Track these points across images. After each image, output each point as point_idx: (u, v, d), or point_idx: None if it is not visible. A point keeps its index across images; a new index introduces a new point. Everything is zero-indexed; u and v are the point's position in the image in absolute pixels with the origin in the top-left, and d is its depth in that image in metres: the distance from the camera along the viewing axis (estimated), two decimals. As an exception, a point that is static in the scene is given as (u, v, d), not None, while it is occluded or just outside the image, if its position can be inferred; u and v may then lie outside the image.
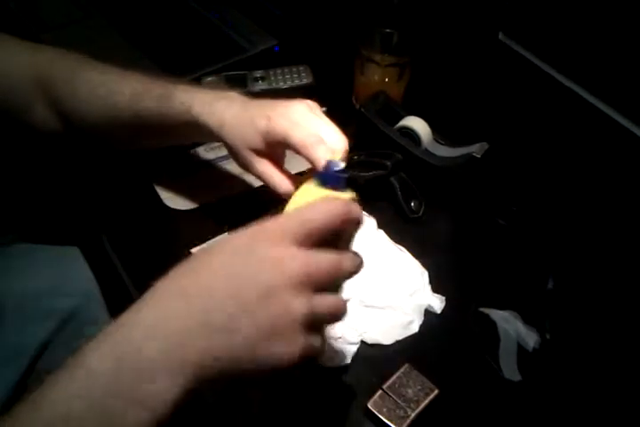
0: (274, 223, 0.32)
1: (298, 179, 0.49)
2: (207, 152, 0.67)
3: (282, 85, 0.74)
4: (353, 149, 0.47)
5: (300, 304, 0.30)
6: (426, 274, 0.57)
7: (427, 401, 0.47)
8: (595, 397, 0.50)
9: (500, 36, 0.83)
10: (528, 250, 0.60)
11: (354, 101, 0.74)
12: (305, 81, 0.74)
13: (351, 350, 0.51)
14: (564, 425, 0.49)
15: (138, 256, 0.58)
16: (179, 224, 0.60)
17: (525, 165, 0.68)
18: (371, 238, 0.59)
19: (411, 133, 0.62)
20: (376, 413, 0.46)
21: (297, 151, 0.45)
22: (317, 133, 0.45)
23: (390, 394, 0.47)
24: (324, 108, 0.50)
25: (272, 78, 0.74)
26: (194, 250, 0.54)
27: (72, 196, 0.65)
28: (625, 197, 0.65)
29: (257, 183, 0.61)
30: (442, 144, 0.64)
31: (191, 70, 0.78)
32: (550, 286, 0.57)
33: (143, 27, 0.86)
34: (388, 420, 0.46)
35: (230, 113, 0.48)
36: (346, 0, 0.87)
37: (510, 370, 0.51)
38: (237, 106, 0.49)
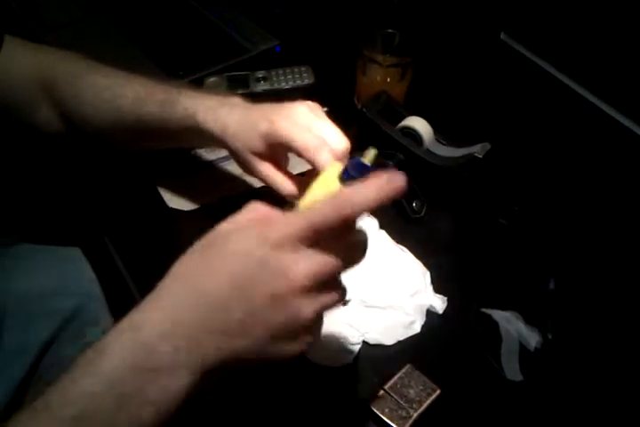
0: (276, 224, 0.31)
1: (300, 180, 0.49)
2: (208, 153, 0.67)
3: (284, 86, 0.74)
4: (355, 150, 0.47)
5: (309, 308, 0.31)
6: (428, 274, 0.57)
7: (428, 401, 0.47)
8: (596, 397, 0.50)
9: (502, 35, 0.83)
10: (530, 250, 0.60)
11: (355, 102, 0.74)
12: (307, 81, 0.74)
13: (353, 350, 0.51)
14: (565, 425, 0.49)
15: (139, 256, 0.58)
16: (180, 225, 0.60)
17: (527, 165, 0.68)
18: (372, 239, 0.59)
19: (412, 134, 0.63)
20: (378, 413, 0.46)
21: (299, 154, 0.46)
22: (320, 136, 0.45)
23: (392, 394, 0.47)
24: (325, 109, 0.50)
25: (274, 79, 0.74)
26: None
27: (74, 197, 0.65)
28: (627, 197, 0.65)
29: (258, 184, 0.61)
30: (443, 144, 0.64)
31: (194, 71, 0.78)
32: (552, 286, 0.57)
33: (145, 27, 0.86)
34: (390, 420, 0.46)
35: (233, 118, 0.48)
36: (347, 0, 0.87)
37: (512, 370, 0.51)
38: (239, 111, 0.49)
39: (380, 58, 0.67)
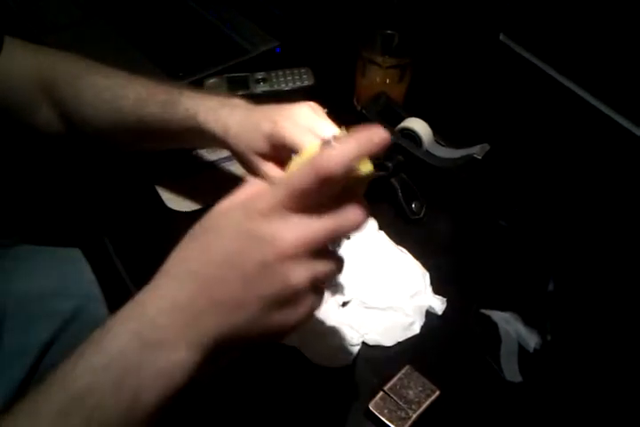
0: (262, 195, 0.31)
1: None
2: (209, 153, 0.67)
3: (283, 87, 0.74)
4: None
5: (299, 274, 0.30)
6: (427, 275, 0.57)
7: (428, 402, 0.47)
8: (595, 398, 0.50)
9: (501, 37, 0.84)
10: (529, 251, 0.60)
11: (355, 103, 0.75)
12: (306, 83, 0.75)
13: (352, 351, 0.51)
14: (564, 426, 0.49)
15: (139, 258, 0.58)
16: (180, 226, 0.60)
17: (526, 167, 0.68)
18: (372, 240, 0.59)
19: (412, 135, 0.63)
20: (377, 414, 0.46)
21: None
22: (322, 136, 0.45)
23: (391, 395, 0.47)
24: (325, 110, 0.50)
25: (274, 80, 0.74)
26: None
27: (74, 197, 0.65)
28: (626, 198, 0.65)
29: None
30: (443, 145, 0.64)
31: (193, 72, 0.78)
32: (551, 287, 0.57)
33: (145, 29, 0.86)
34: (389, 421, 0.46)
35: (235, 119, 0.49)
36: (347, 2, 0.87)
37: (511, 371, 0.51)
38: (241, 112, 0.49)
39: (379, 59, 0.67)
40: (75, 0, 0.89)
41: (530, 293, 0.57)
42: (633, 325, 0.55)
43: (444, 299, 0.55)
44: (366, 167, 0.33)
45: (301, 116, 0.47)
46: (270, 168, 0.49)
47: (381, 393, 0.47)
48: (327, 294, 0.54)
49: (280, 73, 0.75)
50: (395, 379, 0.48)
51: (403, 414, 0.46)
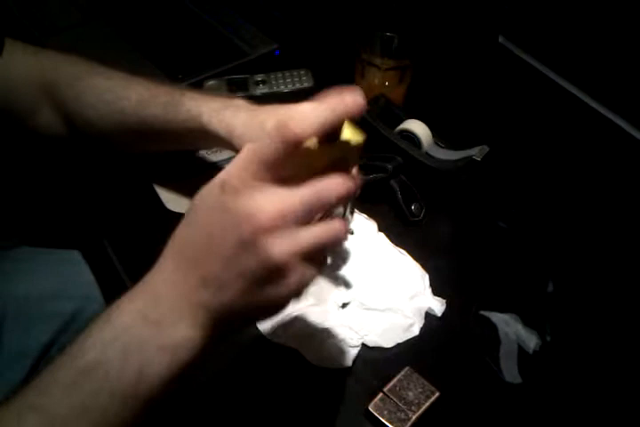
0: (234, 169, 0.30)
1: None
2: (209, 154, 0.67)
3: (283, 89, 0.74)
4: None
5: (279, 248, 0.29)
6: (426, 277, 0.57)
7: (427, 404, 0.47)
8: (595, 399, 0.50)
9: (500, 39, 0.84)
10: (528, 253, 0.60)
11: (354, 105, 0.75)
12: (306, 84, 0.75)
13: (352, 352, 0.51)
14: (564, 428, 0.49)
15: (139, 259, 0.58)
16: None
17: (525, 168, 0.69)
18: (371, 241, 0.59)
19: (411, 136, 0.63)
20: (377, 415, 0.46)
21: None
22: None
23: (391, 397, 0.47)
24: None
25: (273, 82, 0.75)
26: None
27: (74, 199, 0.65)
28: (625, 199, 0.65)
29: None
30: (442, 147, 0.65)
31: (193, 74, 0.78)
32: (551, 288, 0.57)
33: (145, 31, 0.87)
34: (389, 423, 0.46)
35: (239, 120, 0.49)
36: (346, 4, 0.88)
37: (511, 373, 0.51)
38: (245, 112, 0.49)
39: (378, 61, 0.68)
40: (75, 2, 0.89)
41: (529, 294, 0.57)
42: (632, 326, 0.55)
43: (444, 300, 0.55)
44: (356, 137, 0.31)
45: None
46: None
47: (381, 394, 0.47)
48: (327, 292, 0.54)
49: (279, 75, 0.75)
50: (394, 380, 0.48)
51: (402, 416, 0.46)
